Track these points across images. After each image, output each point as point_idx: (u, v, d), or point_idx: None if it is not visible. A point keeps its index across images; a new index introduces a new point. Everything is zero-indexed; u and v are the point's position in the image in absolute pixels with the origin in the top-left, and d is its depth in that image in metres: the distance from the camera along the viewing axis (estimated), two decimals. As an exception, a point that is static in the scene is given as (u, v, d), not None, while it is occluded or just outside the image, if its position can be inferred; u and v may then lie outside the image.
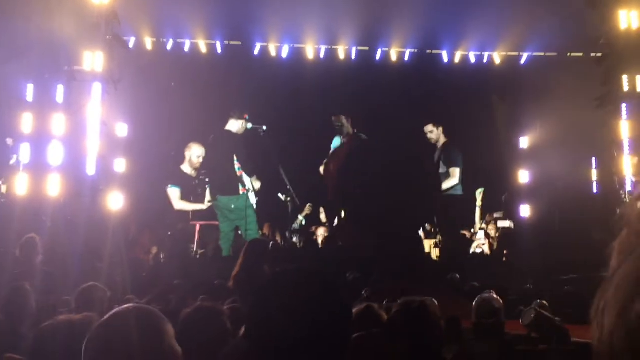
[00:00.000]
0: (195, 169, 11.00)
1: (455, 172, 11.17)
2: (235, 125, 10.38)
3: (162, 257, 10.30)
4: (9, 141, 9.89)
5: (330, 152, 11.43)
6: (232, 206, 10.18)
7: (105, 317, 1.76)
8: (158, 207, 11.09)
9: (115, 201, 10.04)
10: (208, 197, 10.91)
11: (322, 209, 12.48)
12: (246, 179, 10.35)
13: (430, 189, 11.35)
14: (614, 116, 10.27)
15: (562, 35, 11.42)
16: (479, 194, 11.91)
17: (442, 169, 11.24)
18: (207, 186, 10.99)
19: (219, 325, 3.03)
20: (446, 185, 11.17)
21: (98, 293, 4.54)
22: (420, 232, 12.09)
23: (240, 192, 10.31)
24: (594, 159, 11.95)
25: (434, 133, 11.41)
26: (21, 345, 3.11)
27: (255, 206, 10.40)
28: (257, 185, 10.52)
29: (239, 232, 10.20)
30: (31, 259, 5.90)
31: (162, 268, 9.13)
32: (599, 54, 10.63)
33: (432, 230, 12.12)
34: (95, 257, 7.68)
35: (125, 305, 1.84)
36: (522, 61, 12.87)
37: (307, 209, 12.14)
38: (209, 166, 10.81)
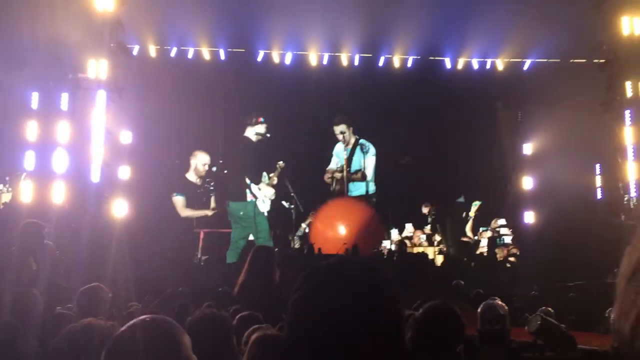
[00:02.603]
0: (201, 177, 11.03)
1: None
2: (251, 132, 10.45)
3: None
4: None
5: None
6: (241, 213, 10.24)
7: (123, 327, 1.77)
8: (162, 214, 11.12)
9: (120, 208, 10.07)
10: (213, 204, 10.94)
11: None
12: (253, 187, 10.39)
13: None
14: (618, 122, 10.27)
15: (565, 42, 11.43)
16: (474, 206, 11.94)
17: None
18: (211, 194, 11.02)
19: (224, 331, 3.03)
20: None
21: (101, 294, 4.50)
22: (423, 238, 12.08)
23: (249, 199, 10.35)
24: (598, 165, 11.94)
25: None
26: (27, 353, 3.10)
27: (266, 214, 10.44)
28: (269, 192, 10.52)
29: (250, 238, 10.24)
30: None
31: (166, 275, 9.12)
32: (602, 60, 10.64)
33: (435, 237, 12.12)
34: (99, 264, 7.68)
35: (143, 316, 1.85)
36: (525, 67, 12.88)
37: (311, 217, 12.12)
38: (225, 171, 10.89)
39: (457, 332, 3.12)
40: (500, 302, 4.65)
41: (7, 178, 9.60)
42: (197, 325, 2.99)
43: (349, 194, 11.30)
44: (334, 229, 10.60)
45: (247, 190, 10.40)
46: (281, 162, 10.77)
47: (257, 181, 10.42)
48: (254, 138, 10.47)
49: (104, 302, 4.36)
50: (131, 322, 1.78)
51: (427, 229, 12.22)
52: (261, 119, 10.52)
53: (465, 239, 12.24)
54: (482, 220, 12.38)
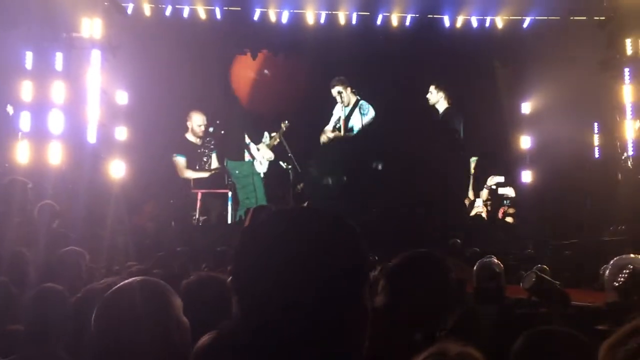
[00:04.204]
0: (199, 137, 10.98)
1: None
2: None
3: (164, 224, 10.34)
4: (9, 109, 9.85)
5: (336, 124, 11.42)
6: (237, 171, 10.30)
7: (114, 288, 1.78)
8: (160, 174, 11.12)
9: (117, 169, 10.06)
10: (215, 164, 10.93)
11: None
12: (252, 147, 10.39)
13: None
14: (617, 80, 10.21)
15: (565, -1, 11.28)
16: (472, 162, 11.93)
17: None
18: (212, 153, 11.00)
19: (222, 293, 3.01)
20: None
21: (77, 258, 4.37)
22: None
23: (246, 159, 10.37)
24: (596, 123, 11.89)
25: (433, 95, 11.38)
26: (20, 310, 3.11)
27: (262, 175, 10.46)
28: (267, 154, 10.52)
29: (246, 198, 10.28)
30: (49, 223, 5.89)
31: (164, 235, 9.17)
32: (602, 18, 10.51)
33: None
34: (97, 224, 7.71)
35: (133, 278, 1.85)
36: (525, 25, 12.71)
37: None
38: (222, 132, 10.88)
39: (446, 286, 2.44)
40: (495, 260, 4.69)
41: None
42: (193, 289, 2.96)
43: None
44: None
45: (246, 150, 10.42)
46: (286, 122, 10.75)
47: (257, 141, 10.40)
48: None
49: (78, 266, 4.25)
50: (121, 284, 1.78)
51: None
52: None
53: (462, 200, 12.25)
54: (480, 179, 12.39)
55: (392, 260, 2.44)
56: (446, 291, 2.37)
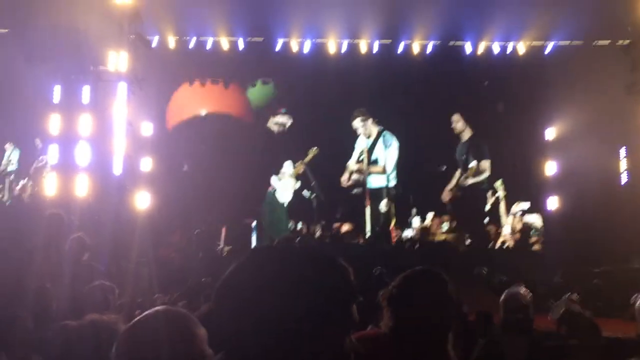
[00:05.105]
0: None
1: (486, 165, 11.11)
2: (272, 122, 10.53)
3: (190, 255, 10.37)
4: (38, 142, 10.04)
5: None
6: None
7: (135, 319, 1.76)
8: (185, 205, 11.19)
9: (142, 200, 10.15)
10: None
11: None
12: (273, 178, 10.47)
13: None
14: (643, 104, 10.10)
15: (588, 23, 11.22)
16: (499, 185, 11.79)
17: (471, 163, 11.15)
18: None
19: None
20: (478, 179, 11.11)
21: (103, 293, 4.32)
22: (445, 226, 11.94)
23: (269, 190, 10.44)
24: (623, 148, 11.74)
25: (460, 123, 11.37)
26: (43, 345, 3.12)
27: (285, 204, 10.51)
28: (290, 183, 10.56)
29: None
30: (78, 256, 5.93)
31: (190, 266, 9.19)
32: (627, 42, 10.44)
33: (456, 224, 11.99)
34: (122, 256, 7.76)
35: (156, 308, 1.83)
36: (547, 51, 12.66)
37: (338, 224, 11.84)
38: None
39: (444, 303, 2.41)
40: (523, 291, 4.61)
41: (31, 171, 9.73)
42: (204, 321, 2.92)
43: (368, 186, 11.24)
44: None
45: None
46: (315, 149, 10.79)
47: (276, 172, 10.47)
48: (274, 128, 10.51)
49: (106, 301, 4.22)
50: (143, 315, 1.76)
51: (447, 217, 12.10)
52: (282, 110, 10.54)
53: (488, 228, 12.09)
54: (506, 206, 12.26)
55: (390, 285, 2.48)
56: (448, 304, 2.38)
